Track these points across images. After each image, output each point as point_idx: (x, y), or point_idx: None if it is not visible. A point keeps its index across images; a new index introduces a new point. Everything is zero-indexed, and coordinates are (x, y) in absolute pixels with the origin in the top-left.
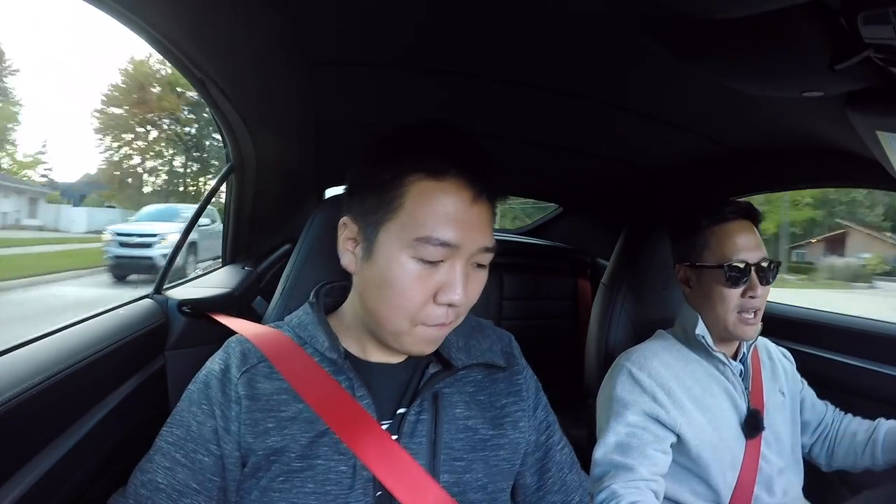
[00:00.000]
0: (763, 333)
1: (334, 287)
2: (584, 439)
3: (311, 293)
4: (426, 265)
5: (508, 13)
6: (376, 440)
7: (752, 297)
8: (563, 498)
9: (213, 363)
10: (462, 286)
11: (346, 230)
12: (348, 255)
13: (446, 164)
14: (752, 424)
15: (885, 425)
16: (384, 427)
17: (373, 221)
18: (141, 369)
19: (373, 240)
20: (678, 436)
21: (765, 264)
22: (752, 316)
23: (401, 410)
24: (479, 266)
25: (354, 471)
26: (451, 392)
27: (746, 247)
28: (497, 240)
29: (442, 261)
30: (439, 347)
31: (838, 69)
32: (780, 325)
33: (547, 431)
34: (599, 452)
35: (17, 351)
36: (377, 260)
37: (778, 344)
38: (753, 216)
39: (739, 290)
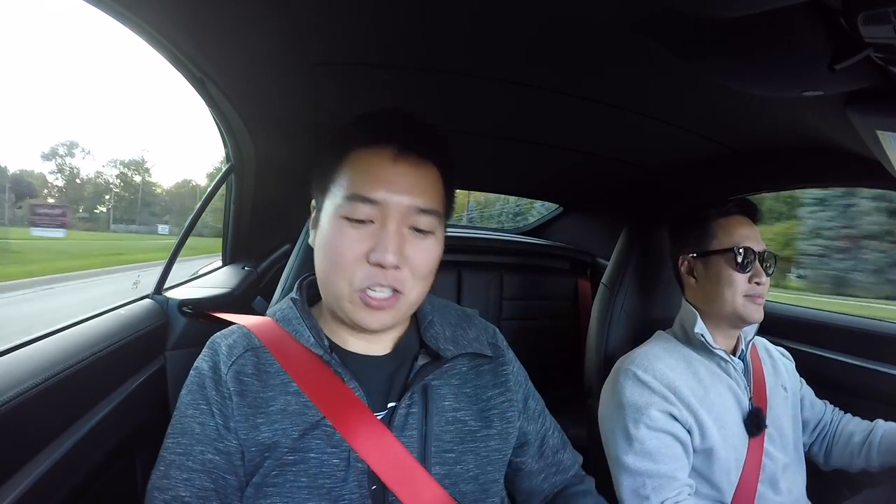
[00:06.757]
0: (763, 333)
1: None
2: (584, 439)
3: (294, 286)
4: (357, 225)
5: (508, 13)
6: (372, 430)
7: (757, 284)
8: (562, 477)
9: (202, 363)
10: (393, 246)
11: (314, 211)
12: (312, 232)
13: (378, 132)
14: (755, 423)
15: (881, 428)
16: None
17: (321, 193)
18: (141, 369)
19: (320, 209)
20: (689, 434)
21: (766, 256)
22: (759, 297)
23: (392, 404)
24: (420, 231)
25: (348, 463)
26: (439, 384)
27: (750, 237)
28: (497, 240)
29: (372, 221)
30: (427, 339)
31: (838, 69)
32: (780, 325)
33: (540, 419)
34: (629, 460)
35: (17, 351)
36: (321, 225)
37: (777, 343)
38: (753, 214)
39: (747, 276)
